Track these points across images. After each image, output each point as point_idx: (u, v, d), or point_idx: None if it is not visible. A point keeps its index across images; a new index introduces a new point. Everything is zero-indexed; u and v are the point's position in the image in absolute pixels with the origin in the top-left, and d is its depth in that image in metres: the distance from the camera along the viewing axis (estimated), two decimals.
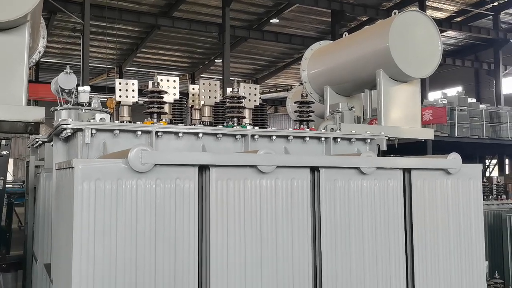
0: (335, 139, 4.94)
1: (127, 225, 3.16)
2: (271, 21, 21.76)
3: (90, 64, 19.37)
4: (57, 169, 3.94)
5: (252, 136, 4.62)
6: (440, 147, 14.70)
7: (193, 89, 5.57)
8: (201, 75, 27.08)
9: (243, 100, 5.01)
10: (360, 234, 3.91)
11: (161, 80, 5.16)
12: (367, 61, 5.66)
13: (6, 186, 13.86)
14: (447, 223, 4.22)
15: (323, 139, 4.91)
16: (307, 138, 4.84)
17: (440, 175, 4.19)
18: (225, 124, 4.94)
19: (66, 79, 5.60)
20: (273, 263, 3.59)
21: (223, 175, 3.44)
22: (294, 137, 4.80)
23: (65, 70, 5.69)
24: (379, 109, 5.51)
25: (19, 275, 7.84)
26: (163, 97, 4.61)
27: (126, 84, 5.25)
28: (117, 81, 5.27)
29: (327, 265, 3.77)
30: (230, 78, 22.57)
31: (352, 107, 5.78)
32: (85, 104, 5.57)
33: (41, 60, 23.75)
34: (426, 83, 22.64)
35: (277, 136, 4.73)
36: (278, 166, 3.57)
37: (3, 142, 12.59)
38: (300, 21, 22.20)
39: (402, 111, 5.59)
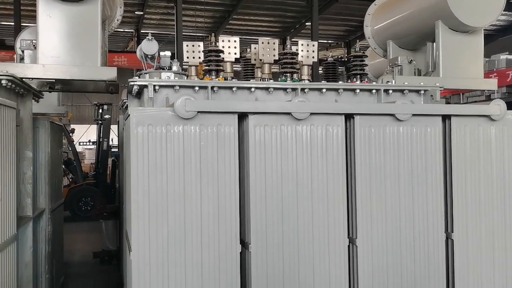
0: (386, 91, 5.04)
1: (175, 163, 3.68)
2: None
3: (185, 33, 20.37)
4: (125, 120, 4.57)
5: (302, 89, 4.91)
6: None
7: (255, 48, 5.92)
8: (293, 39, 27.18)
9: (296, 56, 5.27)
10: (396, 181, 4.09)
11: (223, 40, 5.57)
12: (426, 12, 5.60)
13: (112, 147, 15.44)
14: (490, 174, 4.23)
15: (374, 91, 5.04)
16: (358, 91, 5.00)
17: (482, 122, 4.18)
18: (279, 79, 5.25)
19: (148, 46, 6.23)
20: (308, 202, 3.93)
21: (260, 121, 3.82)
22: (344, 89, 4.99)
23: (147, 37, 6.32)
24: (437, 61, 5.47)
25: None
26: (220, 56, 5.03)
27: (193, 46, 5.74)
28: (185, 43, 5.78)
29: (361, 207, 4.03)
30: (320, 41, 22.47)
31: (411, 60, 5.77)
32: (166, 68, 6.18)
33: (141, 31, 25.39)
34: None
35: (327, 89, 4.96)
36: (312, 113, 3.87)
37: (105, 107, 14.00)
38: None
39: (461, 62, 5.49)
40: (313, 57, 5.83)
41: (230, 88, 4.77)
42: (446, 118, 4.14)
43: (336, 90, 4.99)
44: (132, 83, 4.57)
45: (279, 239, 3.87)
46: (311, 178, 3.91)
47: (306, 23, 25.44)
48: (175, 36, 17.85)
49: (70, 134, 15.26)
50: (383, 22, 6.48)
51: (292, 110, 3.80)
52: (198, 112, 3.65)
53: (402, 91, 5.12)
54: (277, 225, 3.83)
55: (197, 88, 4.69)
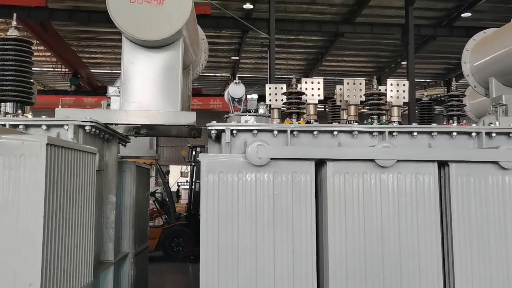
0: (489, 133, 4.47)
1: (247, 214, 3.45)
2: (462, 15, 20.18)
3: (278, 76, 20.61)
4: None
5: (390, 132, 4.50)
6: None
7: (340, 89, 5.63)
8: (387, 79, 26.49)
9: (383, 97, 4.89)
10: (502, 240, 3.51)
11: (306, 82, 5.36)
12: None
13: None
14: None
15: (474, 134, 4.49)
16: (454, 134, 4.49)
17: None
18: (365, 121, 4.89)
19: (235, 89, 6.21)
20: (396, 262, 3.48)
21: (340, 169, 3.48)
22: (439, 132, 4.50)
23: (234, 81, 6.32)
24: None
25: None
26: (301, 98, 4.81)
27: (276, 88, 5.59)
28: (267, 86, 5.65)
29: (460, 269, 3.48)
30: (417, 80, 21.60)
31: None
32: (253, 111, 6.09)
33: (237, 75, 26.16)
34: None
35: (419, 132, 4.50)
36: (399, 160, 3.46)
37: (198, 149, 14.33)
38: (496, 12, 20.08)
39: None
40: (403, 98, 5.40)
41: (311, 131, 4.50)
42: None
43: (429, 133, 4.51)
44: (210, 127, 4.47)
45: None
46: (399, 234, 3.47)
47: (402, 62, 24.70)
48: (268, 79, 18.08)
49: (166, 176, 15.75)
50: (484, 58, 5.90)
51: (375, 156, 3.44)
52: (271, 159, 3.41)
53: (507, 134, 4.50)
54: (359, 287, 3.41)
55: (276, 132, 4.47)
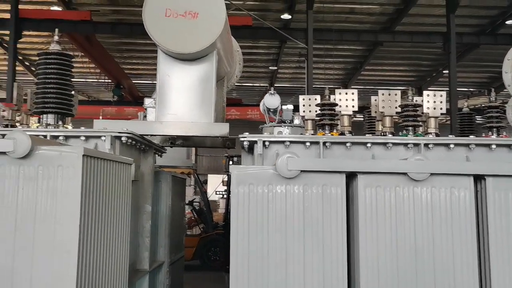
0: None
1: (277, 225, 3.45)
2: (507, 22, 19.57)
3: (316, 86, 20.55)
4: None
5: (426, 145, 4.40)
6: None
7: (375, 100, 5.56)
8: (429, 88, 25.90)
9: (419, 108, 4.80)
10: None
11: (340, 93, 5.32)
12: None
13: None
14: None
15: None
16: (493, 146, 4.35)
17: None
18: (400, 133, 4.81)
19: (270, 99, 6.25)
20: (430, 278, 3.39)
21: (371, 182, 3.43)
22: (477, 145, 4.37)
23: (269, 92, 6.35)
24: None
25: None
26: (334, 109, 4.78)
27: (309, 99, 5.57)
28: (301, 97, 5.64)
29: (498, 286, 3.36)
30: (459, 89, 21.04)
31: None
32: (288, 121, 6.10)
33: (275, 85, 26.25)
34: None
35: (456, 145, 4.39)
36: (433, 174, 3.38)
37: (235, 159, 14.42)
38: None
39: None
40: (441, 109, 5.28)
41: (344, 143, 4.46)
42: None
43: (467, 145, 4.39)
44: (242, 139, 4.51)
45: None
46: (433, 249, 3.38)
47: (444, 71, 24.15)
48: (306, 89, 18.05)
49: (203, 185, 15.92)
50: None
51: (408, 170, 3.37)
52: (301, 171, 3.40)
53: None
54: None
55: (308, 144, 4.46)
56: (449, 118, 17.11)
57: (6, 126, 4.73)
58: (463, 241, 3.37)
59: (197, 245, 13.65)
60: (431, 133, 4.97)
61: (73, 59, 4.61)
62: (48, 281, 3.05)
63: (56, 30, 4.72)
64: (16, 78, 17.31)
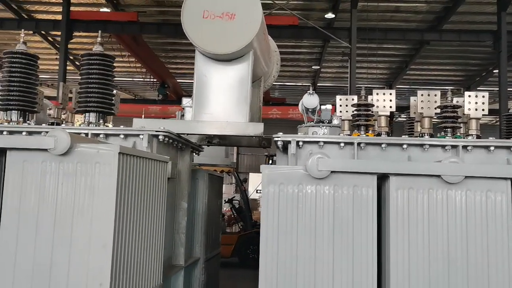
0: None
1: (307, 226, 3.45)
2: None
3: (360, 85, 20.30)
4: None
5: (464, 147, 4.29)
6: None
7: (414, 100, 5.45)
8: (478, 88, 25.06)
9: (457, 109, 4.68)
10: None
11: (377, 93, 5.25)
12: None
13: None
14: None
15: None
16: None
17: None
18: (438, 135, 4.70)
19: (309, 99, 6.25)
20: (463, 285, 3.30)
21: (403, 184, 3.38)
22: None
23: (308, 91, 6.36)
24: None
25: None
26: (369, 110, 4.73)
27: (346, 99, 5.53)
28: (338, 97, 5.60)
29: None
30: (509, 90, 20.23)
31: None
32: (326, 121, 6.09)
33: (317, 84, 26.09)
34: None
35: (496, 147, 4.26)
36: (468, 177, 3.30)
37: (274, 158, 14.45)
38: None
39: None
40: (483, 110, 5.12)
41: (379, 144, 4.40)
42: None
43: (509, 147, 4.25)
44: (276, 138, 4.53)
45: None
46: (467, 256, 3.29)
47: (494, 71, 23.31)
48: (349, 88, 17.85)
49: (243, 183, 16.04)
50: None
51: (442, 172, 3.30)
52: (332, 172, 3.39)
53: None
54: None
55: (342, 145, 4.43)
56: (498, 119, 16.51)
57: (52, 123, 4.94)
58: (499, 247, 3.26)
59: (236, 243, 13.78)
60: (471, 134, 4.84)
61: (114, 60, 4.76)
62: (84, 274, 3.17)
63: (99, 32, 4.88)
64: (67, 77, 18.01)
